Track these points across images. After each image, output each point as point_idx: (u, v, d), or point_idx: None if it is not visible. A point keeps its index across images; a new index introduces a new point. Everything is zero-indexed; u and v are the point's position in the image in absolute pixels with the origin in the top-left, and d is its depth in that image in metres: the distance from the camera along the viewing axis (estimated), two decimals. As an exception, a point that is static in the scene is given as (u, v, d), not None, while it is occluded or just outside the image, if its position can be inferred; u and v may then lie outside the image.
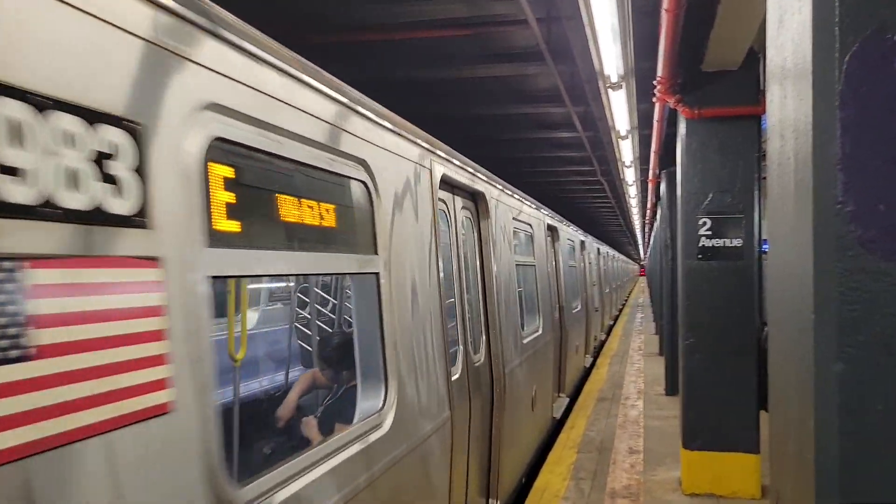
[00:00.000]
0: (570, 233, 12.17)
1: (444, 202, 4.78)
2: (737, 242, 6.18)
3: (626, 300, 39.57)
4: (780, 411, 1.76)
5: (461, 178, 5.05)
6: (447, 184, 4.79)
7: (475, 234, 5.65)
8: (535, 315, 8.13)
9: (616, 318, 26.56)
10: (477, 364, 5.21)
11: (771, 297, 1.94)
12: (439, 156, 4.54)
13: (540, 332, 7.99)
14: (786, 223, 1.83)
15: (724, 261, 6.20)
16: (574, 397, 11.07)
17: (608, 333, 20.86)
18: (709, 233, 6.25)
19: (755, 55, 5.98)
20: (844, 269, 1.47)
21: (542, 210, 9.06)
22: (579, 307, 12.48)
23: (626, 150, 10.19)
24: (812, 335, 1.43)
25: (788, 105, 1.88)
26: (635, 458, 7.51)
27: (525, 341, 6.93)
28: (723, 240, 6.21)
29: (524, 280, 7.74)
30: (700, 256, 6.27)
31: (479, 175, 5.62)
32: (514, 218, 6.90)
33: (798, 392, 1.52)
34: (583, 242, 14.18)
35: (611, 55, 5.77)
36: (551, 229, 9.82)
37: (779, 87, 2.00)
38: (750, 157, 6.19)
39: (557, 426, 9.15)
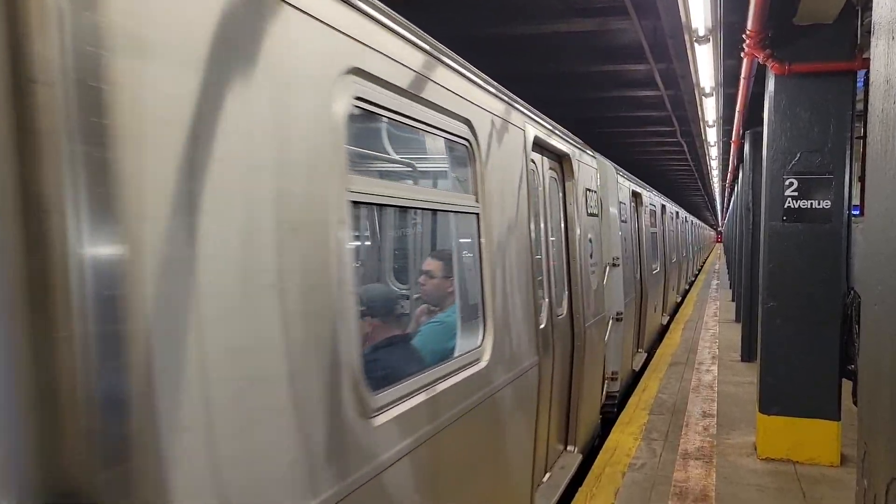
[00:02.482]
0: (675, 210, 16.92)
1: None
2: (825, 204, 5.97)
3: (701, 266, 38.59)
4: (873, 365, 1.74)
5: (634, 186, 9.90)
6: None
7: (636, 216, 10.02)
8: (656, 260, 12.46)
9: (691, 285, 25.99)
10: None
11: (868, 249, 1.90)
12: (624, 175, 9.31)
13: (658, 269, 12.75)
14: (887, 183, 1.78)
15: (810, 223, 6.01)
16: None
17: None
18: (795, 194, 6.05)
19: (852, 7, 5.68)
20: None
21: (660, 196, 13.54)
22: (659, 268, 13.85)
23: (710, 109, 9.87)
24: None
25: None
26: (708, 422, 7.45)
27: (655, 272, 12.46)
28: (809, 201, 6.00)
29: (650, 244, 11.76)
30: (785, 218, 6.08)
31: (633, 180, 10.38)
32: (649, 203, 11.28)
33: (895, 343, 1.50)
34: (677, 213, 18.03)
35: (698, 7, 5.59)
36: (663, 208, 13.79)
37: (885, 37, 1.93)
38: (843, 116, 5.92)
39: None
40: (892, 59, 1.84)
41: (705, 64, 7.30)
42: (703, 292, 23.46)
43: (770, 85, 6.22)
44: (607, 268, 7.62)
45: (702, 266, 39.14)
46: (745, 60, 6.93)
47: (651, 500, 5.33)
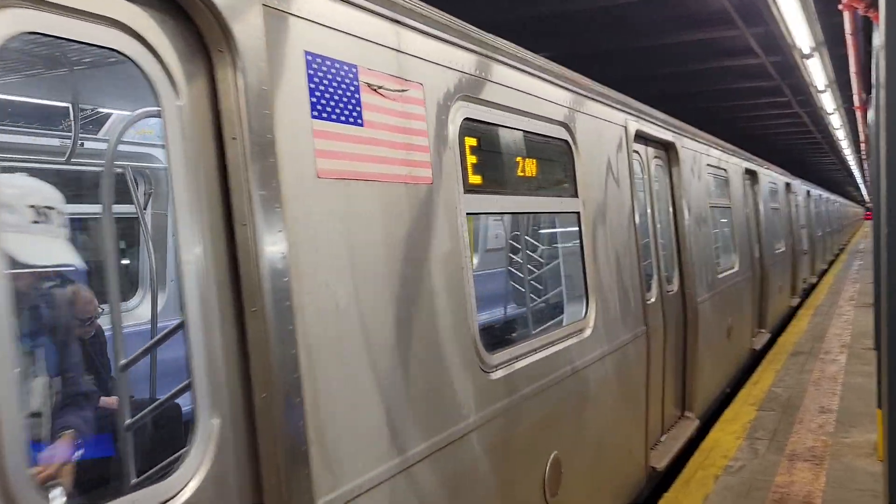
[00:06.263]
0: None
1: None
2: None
3: (843, 247, 35.56)
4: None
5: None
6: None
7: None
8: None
9: (830, 264, 23.97)
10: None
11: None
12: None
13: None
14: None
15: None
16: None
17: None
18: (912, 158, 5.30)
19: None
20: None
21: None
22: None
23: (817, 72, 8.93)
24: None
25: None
26: (825, 418, 6.72)
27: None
28: (930, 165, 5.23)
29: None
30: (902, 187, 5.34)
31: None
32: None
33: None
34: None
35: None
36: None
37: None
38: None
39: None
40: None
41: (796, 21, 6.56)
42: (842, 274, 21.59)
43: (876, 38, 5.51)
44: None
45: (843, 246, 36.05)
46: (845, 15, 6.21)
47: (743, 508, 4.82)
